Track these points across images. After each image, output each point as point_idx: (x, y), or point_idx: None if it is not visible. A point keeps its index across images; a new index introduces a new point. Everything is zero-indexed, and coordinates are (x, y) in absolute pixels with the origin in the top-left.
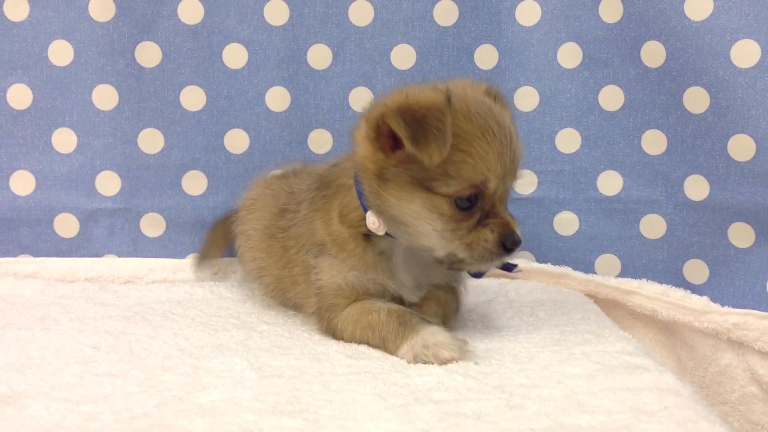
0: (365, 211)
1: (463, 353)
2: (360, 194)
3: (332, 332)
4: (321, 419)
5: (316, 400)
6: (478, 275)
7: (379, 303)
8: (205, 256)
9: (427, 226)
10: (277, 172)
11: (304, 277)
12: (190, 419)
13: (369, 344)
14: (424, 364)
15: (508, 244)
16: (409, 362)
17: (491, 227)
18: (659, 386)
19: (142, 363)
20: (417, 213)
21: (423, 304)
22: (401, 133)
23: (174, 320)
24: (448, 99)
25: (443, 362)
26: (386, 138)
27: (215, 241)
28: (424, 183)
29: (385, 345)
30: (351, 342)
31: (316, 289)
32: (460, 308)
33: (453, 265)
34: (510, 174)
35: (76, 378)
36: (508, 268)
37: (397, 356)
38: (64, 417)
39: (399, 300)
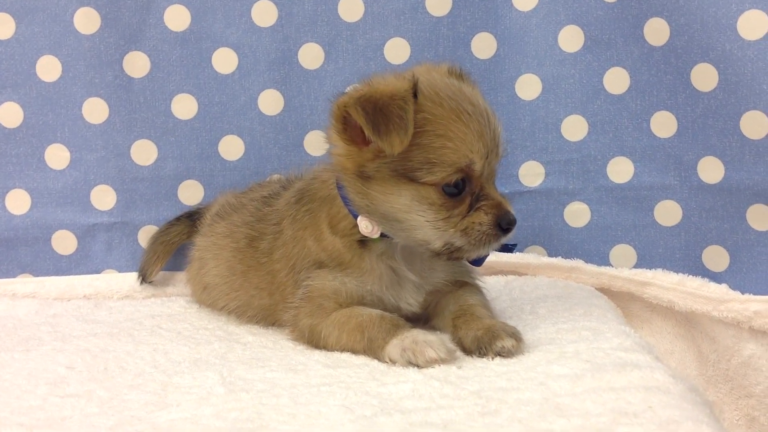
0: (355, 217)
1: (451, 355)
2: (346, 201)
3: (314, 340)
4: None
5: (280, 414)
6: (477, 262)
7: (371, 309)
8: (146, 274)
9: (419, 218)
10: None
11: (293, 293)
12: None
13: (354, 350)
14: (409, 362)
15: (504, 224)
16: (393, 359)
17: (485, 209)
18: (647, 384)
19: (111, 382)
20: (406, 206)
21: (463, 319)
22: (361, 121)
23: (159, 335)
24: (414, 86)
25: (427, 361)
26: (355, 129)
27: (156, 256)
28: (407, 174)
29: (372, 345)
30: (334, 349)
31: (302, 294)
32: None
33: (452, 254)
34: (493, 152)
35: (40, 400)
36: (509, 249)
37: (384, 353)
38: None
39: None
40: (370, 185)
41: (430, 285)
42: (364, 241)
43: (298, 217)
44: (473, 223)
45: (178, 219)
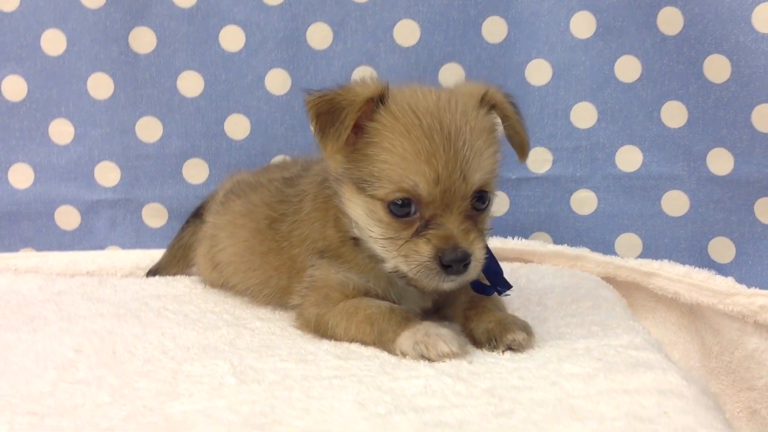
0: None
1: (462, 349)
2: None
3: (321, 329)
4: None
5: (293, 409)
6: (481, 290)
7: (379, 301)
8: (158, 274)
9: (371, 232)
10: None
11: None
12: None
13: (363, 341)
14: (421, 356)
15: (445, 259)
16: (405, 352)
17: (428, 238)
18: (661, 387)
19: (121, 368)
20: (362, 218)
21: (474, 310)
22: (311, 120)
23: (166, 317)
24: (381, 94)
25: (440, 355)
26: None
27: (176, 259)
28: (359, 185)
29: (383, 338)
30: (343, 339)
31: (309, 282)
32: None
33: (406, 280)
34: (451, 179)
35: (50, 386)
36: (499, 292)
37: (395, 346)
38: None
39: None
40: (342, 189)
41: (430, 297)
42: (357, 240)
43: (318, 197)
44: (412, 250)
45: (186, 221)
